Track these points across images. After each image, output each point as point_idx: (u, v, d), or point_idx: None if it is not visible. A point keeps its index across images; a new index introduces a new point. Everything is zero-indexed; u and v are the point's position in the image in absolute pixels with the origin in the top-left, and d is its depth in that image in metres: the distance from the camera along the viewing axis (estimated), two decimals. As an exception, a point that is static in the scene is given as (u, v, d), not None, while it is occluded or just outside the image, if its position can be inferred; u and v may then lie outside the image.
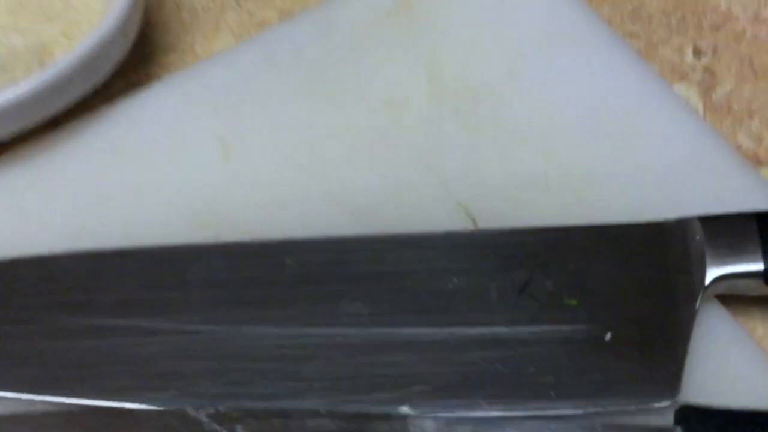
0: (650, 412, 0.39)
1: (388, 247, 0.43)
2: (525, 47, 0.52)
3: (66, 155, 0.49)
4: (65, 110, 0.48)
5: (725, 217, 0.43)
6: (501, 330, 0.41)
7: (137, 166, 0.48)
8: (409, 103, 0.50)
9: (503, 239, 0.43)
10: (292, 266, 0.43)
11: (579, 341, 0.41)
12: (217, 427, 0.39)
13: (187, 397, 0.40)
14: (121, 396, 0.40)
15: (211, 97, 0.50)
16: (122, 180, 0.48)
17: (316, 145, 0.49)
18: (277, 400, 0.40)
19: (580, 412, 0.39)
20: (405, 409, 0.40)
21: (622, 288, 0.42)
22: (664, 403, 0.39)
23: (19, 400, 0.40)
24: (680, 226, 0.43)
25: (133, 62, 0.52)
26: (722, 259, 0.42)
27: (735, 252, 0.42)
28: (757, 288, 0.42)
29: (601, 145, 0.49)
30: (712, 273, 0.42)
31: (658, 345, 0.40)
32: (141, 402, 0.40)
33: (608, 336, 0.41)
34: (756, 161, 0.50)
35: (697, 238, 0.42)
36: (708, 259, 0.42)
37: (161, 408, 0.40)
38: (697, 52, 0.54)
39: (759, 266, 0.41)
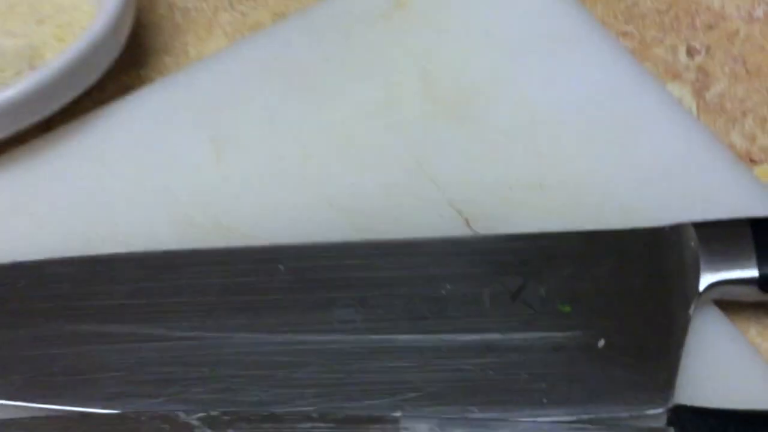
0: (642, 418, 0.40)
1: (380, 253, 0.43)
2: (518, 48, 0.52)
3: (58, 158, 0.48)
4: (57, 113, 0.48)
5: (720, 223, 0.43)
6: (494, 336, 0.41)
7: (129, 169, 0.48)
8: (403, 104, 0.50)
9: (496, 245, 0.43)
10: (284, 272, 0.43)
11: (572, 348, 0.41)
12: (209, 432, 0.40)
13: (179, 403, 0.40)
14: (112, 403, 0.40)
15: (203, 100, 0.50)
16: (114, 183, 0.48)
17: (308, 147, 0.49)
18: (269, 407, 0.40)
19: (572, 418, 0.39)
20: (397, 417, 0.39)
21: (615, 295, 0.42)
22: (657, 410, 0.39)
23: (10, 406, 0.40)
24: (674, 232, 0.43)
25: (126, 65, 0.52)
26: (716, 265, 0.42)
27: (729, 258, 0.42)
28: (752, 294, 0.42)
29: (595, 145, 0.49)
30: (706, 279, 0.41)
31: (651, 352, 0.40)
32: (132, 408, 0.40)
33: (601, 343, 0.41)
34: (749, 160, 0.50)
35: (692, 244, 0.42)
36: (702, 266, 0.42)
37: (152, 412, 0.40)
38: (691, 52, 0.53)
39: (753, 273, 0.41)
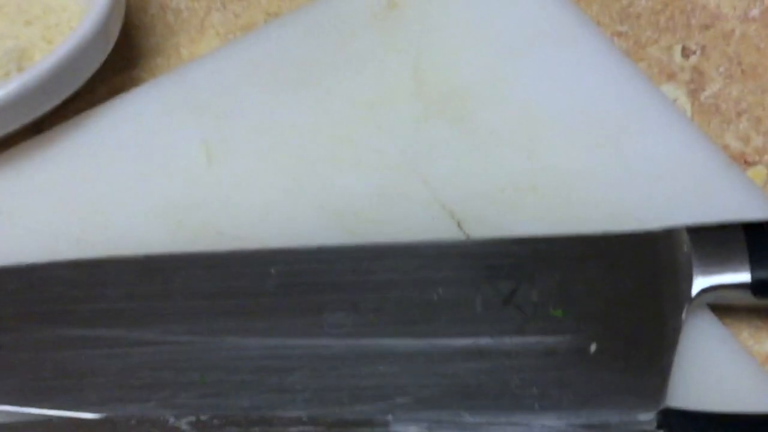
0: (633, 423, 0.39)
1: (371, 257, 0.43)
2: (512, 48, 0.52)
3: (48, 160, 0.48)
4: (47, 115, 0.48)
5: (713, 227, 0.43)
6: (485, 341, 0.41)
7: (120, 171, 0.48)
8: (395, 104, 0.50)
9: (489, 249, 0.43)
10: (275, 276, 0.42)
11: (564, 352, 0.40)
12: (198, 435, 0.39)
13: (169, 408, 0.40)
14: (102, 407, 0.40)
15: (194, 101, 0.50)
16: (105, 185, 0.48)
17: (300, 148, 0.49)
18: (259, 411, 0.40)
19: (563, 423, 0.39)
20: (388, 419, 0.39)
21: (608, 299, 0.42)
22: (648, 415, 0.39)
23: (0, 411, 0.40)
24: (667, 236, 0.43)
25: (117, 66, 0.52)
26: (709, 270, 0.41)
27: (722, 263, 0.41)
28: (745, 299, 0.42)
29: (588, 146, 0.49)
30: (699, 284, 0.41)
31: (643, 356, 0.40)
32: (122, 413, 0.40)
33: (593, 347, 0.40)
34: (743, 162, 0.50)
35: (685, 248, 0.42)
36: (695, 270, 0.41)
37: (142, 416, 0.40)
38: (686, 52, 0.53)
39: (746, 277, 0.41)
